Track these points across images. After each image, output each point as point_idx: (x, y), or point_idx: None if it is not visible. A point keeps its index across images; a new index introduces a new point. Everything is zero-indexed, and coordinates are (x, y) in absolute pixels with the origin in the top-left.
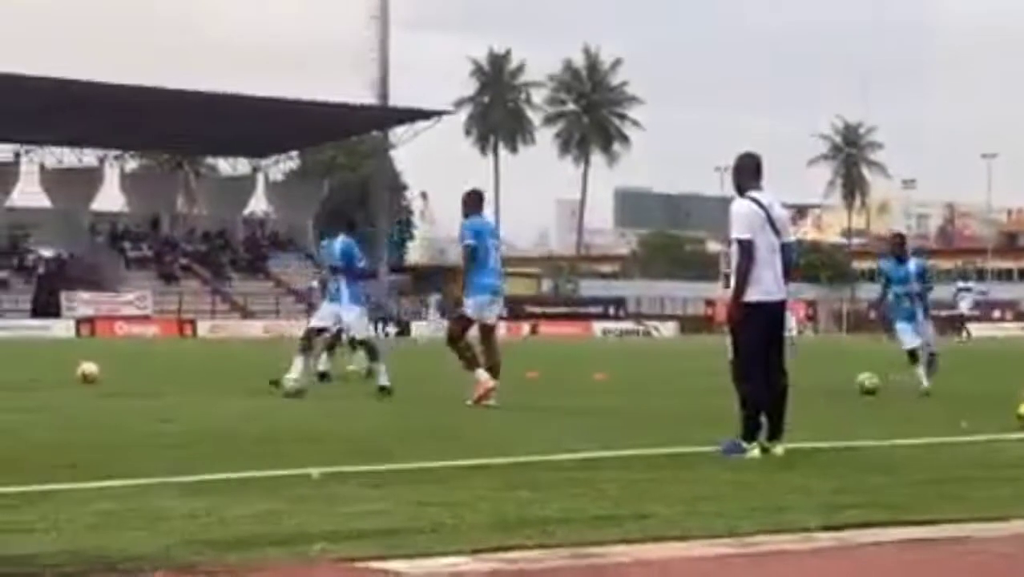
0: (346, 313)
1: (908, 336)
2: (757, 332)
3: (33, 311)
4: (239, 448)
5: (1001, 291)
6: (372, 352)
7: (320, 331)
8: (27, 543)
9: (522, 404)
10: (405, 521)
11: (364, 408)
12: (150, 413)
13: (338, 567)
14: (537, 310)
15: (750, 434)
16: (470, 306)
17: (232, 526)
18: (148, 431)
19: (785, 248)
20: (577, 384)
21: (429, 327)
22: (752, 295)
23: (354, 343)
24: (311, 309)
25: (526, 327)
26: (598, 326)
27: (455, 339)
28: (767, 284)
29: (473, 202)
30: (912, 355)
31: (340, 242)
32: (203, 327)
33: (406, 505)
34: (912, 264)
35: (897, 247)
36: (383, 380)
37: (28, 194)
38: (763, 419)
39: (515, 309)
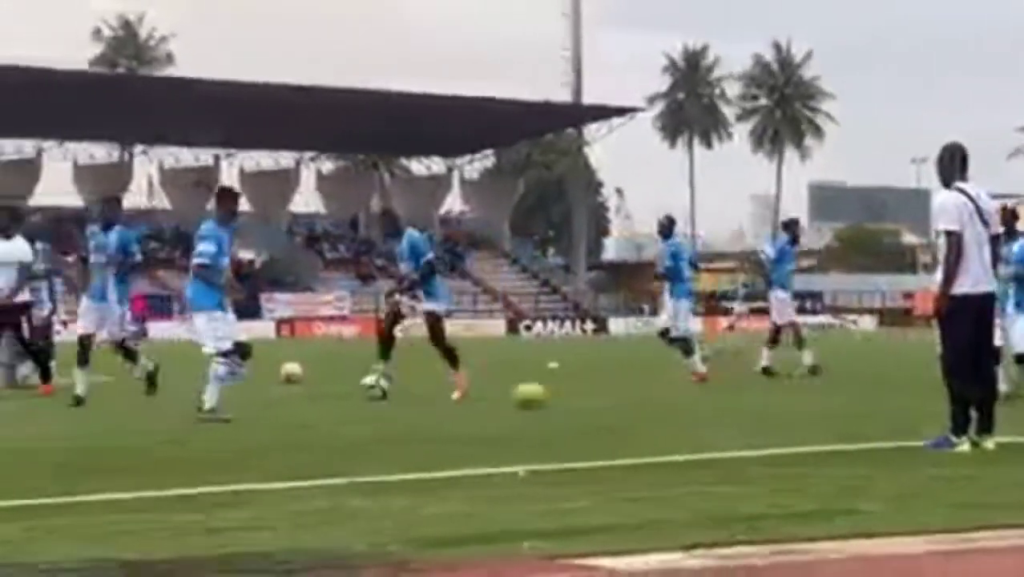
0: (109, 312)
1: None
2: (965, 325)
3: (235, 312)
4: (443, 447)
5: None
6: (130, 353)
7: (90, 337)
8: (247, 541)
9: (724, 400)
10: (613, 518)
11: (566, 406)
12: (355, 412)
13: (549, 564)
14: (734, 305)
15: (960, 428)
16: (443, 308)
17: (442, 524)
18: (354, 430)
19: (993, 239)
20: (778, 380)
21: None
22: (960, 287)
23: (121, 347)
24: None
25: (724, 322)
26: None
27: (443, 341)
28: (975, 276)
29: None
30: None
31: (117, 231)
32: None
33: (613, 502)
34: (1019, 243)
35: (1004, 221)
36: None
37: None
38: (972, 413)
39: (712, 304)
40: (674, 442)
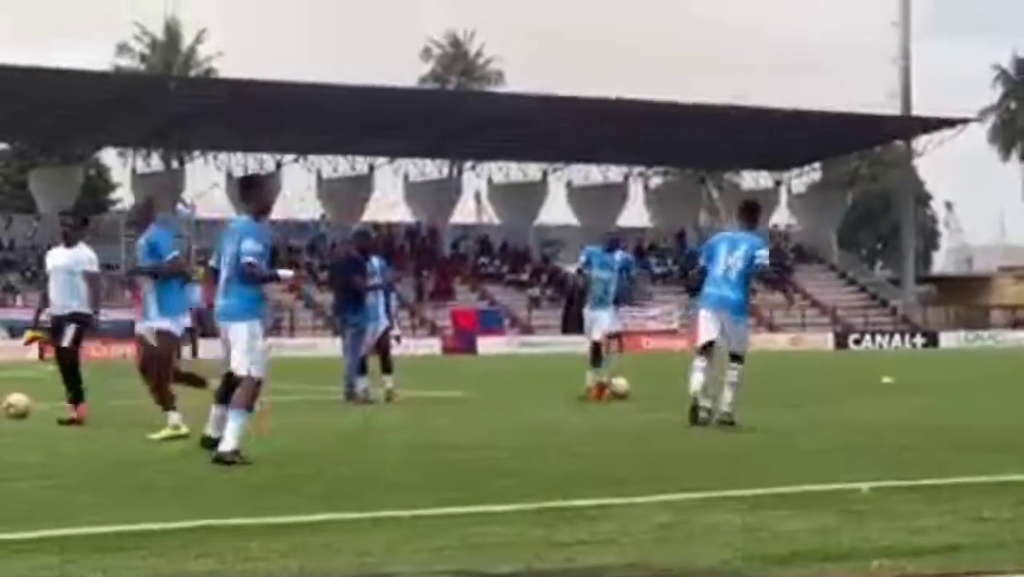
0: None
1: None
2: None
3: (563, 327)
4: (787, 460)
5: None
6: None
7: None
8: (595, 556)
9: None
10: (965, 537)
11: (906, 420)
12: (689, 428)
13: None
14: None
15: None
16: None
17: (788, 540)
18: (694, 444)
19: None
20: None
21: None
22: None
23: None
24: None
25: None
26: None
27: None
28: None
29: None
30: None
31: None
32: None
33: (965, 520)
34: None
35: None
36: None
37: (556, 211)
38: None
39: None
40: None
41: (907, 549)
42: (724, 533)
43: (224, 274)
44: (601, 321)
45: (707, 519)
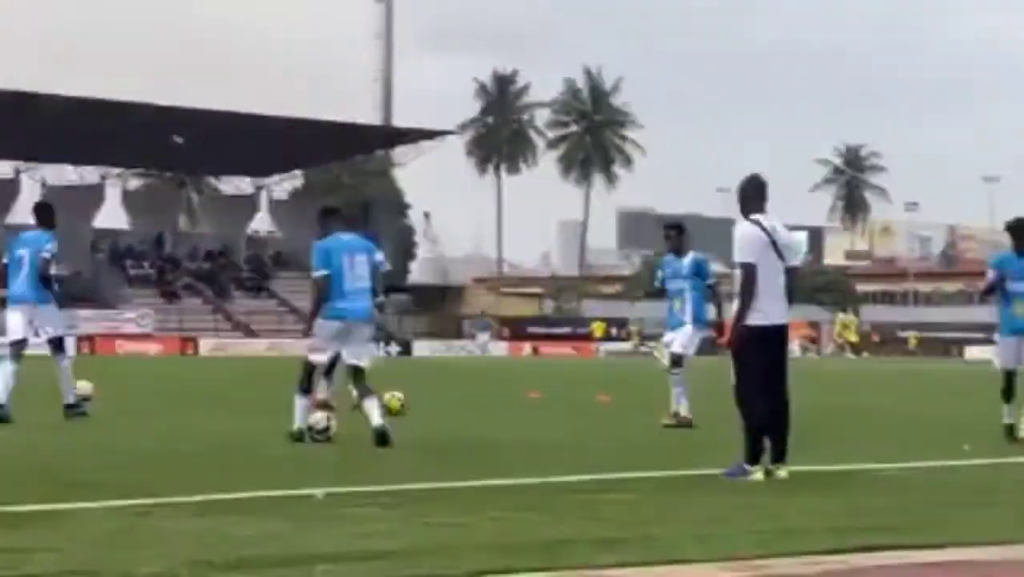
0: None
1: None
2: (758, 356)
3: None
4: (243, 467)
5: None
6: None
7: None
8: (37, 563)
9: (527, 425)
10: (410, 542)
11: (364, 428)
12: (150, 432)
13: None
14: (539, 331)
15: (753, 457)
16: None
17: (237, 546)
18: (151, 449)
19: (789, 272)
20: (580, 406)
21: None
22: (754, 319)
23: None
24: None
25: (527, 347)
26: (602, 347)
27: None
28: (769, 308)
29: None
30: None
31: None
32: (205, 345)
33: (412, 526)
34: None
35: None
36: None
37: (28, 212)
38: (766, 442)
39: (516, 329)
40: (484, 467)
41: (353, 554)
42: (172, 539)
43: None
44: None
45: (157, 525)
